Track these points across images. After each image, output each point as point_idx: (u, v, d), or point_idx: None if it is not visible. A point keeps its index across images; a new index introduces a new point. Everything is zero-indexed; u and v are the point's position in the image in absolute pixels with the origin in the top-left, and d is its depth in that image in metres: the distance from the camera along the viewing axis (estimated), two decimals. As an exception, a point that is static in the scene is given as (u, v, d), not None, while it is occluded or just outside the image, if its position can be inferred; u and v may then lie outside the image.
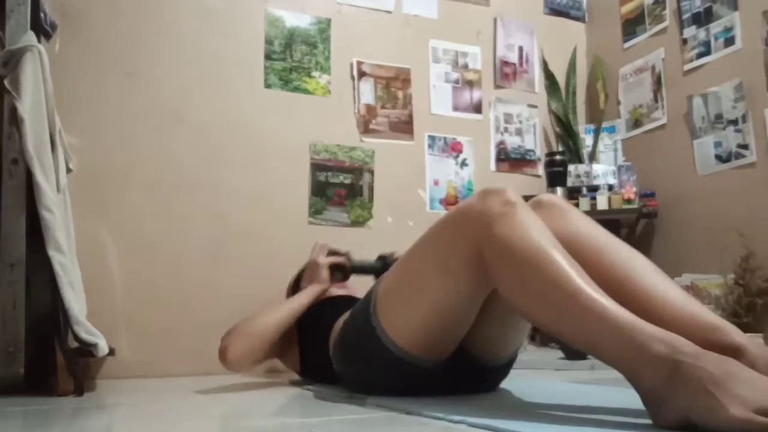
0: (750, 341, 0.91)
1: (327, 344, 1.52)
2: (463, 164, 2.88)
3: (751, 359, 0.87)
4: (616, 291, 0.94)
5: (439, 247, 1.13)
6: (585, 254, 1.03)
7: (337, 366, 1.42)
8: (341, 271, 1.89)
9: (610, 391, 1.36)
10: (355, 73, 2.73)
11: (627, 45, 3.05)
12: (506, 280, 1.01)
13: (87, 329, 1.56)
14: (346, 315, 1.46)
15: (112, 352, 1.75)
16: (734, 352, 0.88)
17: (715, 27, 2.59)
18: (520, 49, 3.10)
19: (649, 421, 0.86)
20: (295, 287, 1.99)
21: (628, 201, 2.65)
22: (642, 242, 2.82)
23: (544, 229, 1.01)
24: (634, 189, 2.67)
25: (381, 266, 1.86)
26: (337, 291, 1.91)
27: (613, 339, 0.85)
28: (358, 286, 1.94)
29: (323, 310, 1.74)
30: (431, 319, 1.17)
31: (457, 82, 2.93)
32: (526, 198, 1.13)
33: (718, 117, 2.55)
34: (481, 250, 1.04)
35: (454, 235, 1.10)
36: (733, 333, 0.93)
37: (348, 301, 1.74)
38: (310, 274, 1.86)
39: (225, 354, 1.60)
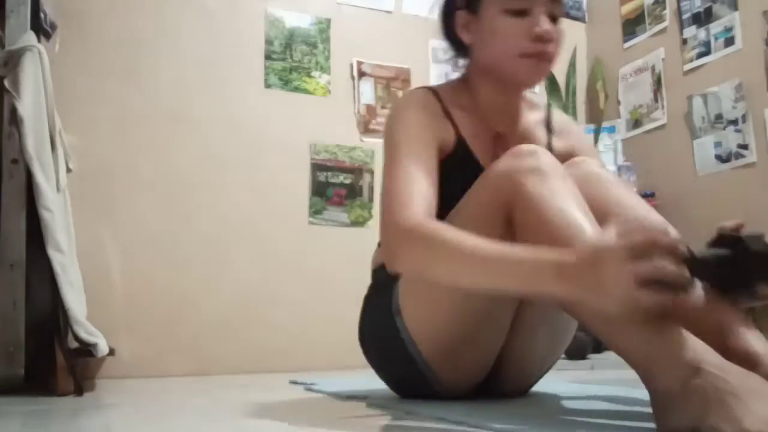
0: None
1: None
2: (463, 164, 2.88)
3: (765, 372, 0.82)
4: None
5: (470, 217, 1.00)
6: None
7: (361, 342, 1.29)
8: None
9: (610, 391, 1.36)
10: (355, 73, 2.73)
11: (627, 45, 3.05)
12: (527, 240, 0.91)
13: (87, 329, 1.56)
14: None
15: (112, 352, 1.75)
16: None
17: (715, 27, 2.59)
18: (520, 49, 3.10)
19: (648, 423, 0.85)
20: (445, 23, 1.28)
21: (628, 201, 2.65)
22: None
23: (573, 191, 0.94)
24: (634, 189, 2.67)
25: (734, 256, 0.86)
26: None
27: (635, 333, 0.80)
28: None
29: None
30: (458, 314, 1.06)
31: (457, 82, 2.92)
32: None
33: (718, 117, 2.55)
34: (510, 214, 0.96)
35: (485, 199, 1.00)
36: (752, 340, 0.88)
37: None
38: (602, 284, 0.81)
39: (397, 263, 1.02)
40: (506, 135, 1.22)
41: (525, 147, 0.98)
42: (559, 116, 1.34)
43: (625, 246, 0.75)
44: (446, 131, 1.18)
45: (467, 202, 1.04)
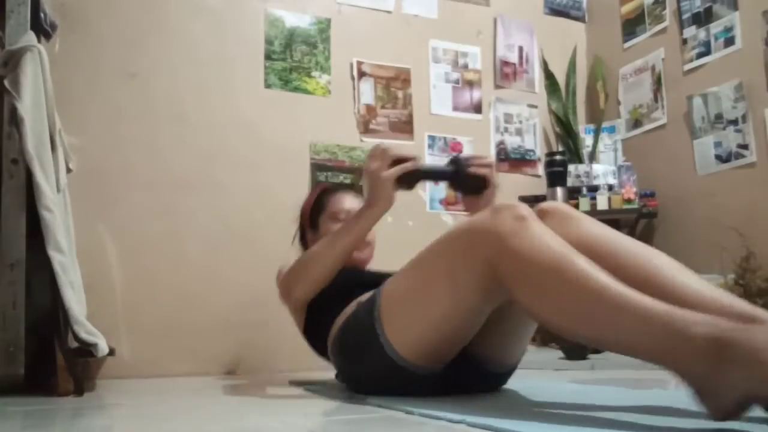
0: None
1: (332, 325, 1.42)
2: (463, 164, 2.88)
3: None
4: (642, 291, 0.90)
5: (450, 262, 1.12)
6: (602, 258, 1.01)
7: (335, 360, 1.41)
8: (407, 179, 1.42)
9: (610, 391, 1.36)
10: (355, 73, 2.73)
11: (627, 45, 3.05)
12: (526, 293, 0.99)
13: (87, 329, 1.56)
14: (348, 310, 1.39)
15: (112, 352, 1.75)
16: None
17: (715, 27, 2.59)
18: (520, 49, 3.10)
19: (648, 421, 0.85)
20: (302, 242, 1.81)
21: (628, 201, 2.65)
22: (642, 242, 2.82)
23: (558, 237, 1.00)
24: (634, 189, 2.67)
25: (454, 171, 1.42)
26: (362, 255, 1.66)
27: (649, 331, 0.81)
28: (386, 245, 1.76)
29: (347, 282, 1.48)
30: (436, 329, 1.17)
31: (457, 82, 2.93)
32: (526, 198, 1.13)
33: (718, 117, 2.55)
34: (494, 268, 1.03)
35: (466, 253, 1.09)
36: None
37: (375, 280, 1.40)
38: (369, 188, 1.45)
39: (289, 295, 1.51)
40: None
41: (503, 202, 1.09)
42: None
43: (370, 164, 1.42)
44: None
45: (439, 250, 1.16)
